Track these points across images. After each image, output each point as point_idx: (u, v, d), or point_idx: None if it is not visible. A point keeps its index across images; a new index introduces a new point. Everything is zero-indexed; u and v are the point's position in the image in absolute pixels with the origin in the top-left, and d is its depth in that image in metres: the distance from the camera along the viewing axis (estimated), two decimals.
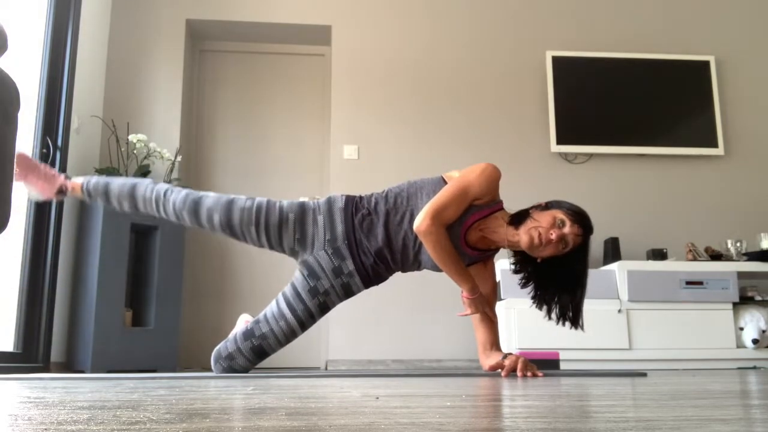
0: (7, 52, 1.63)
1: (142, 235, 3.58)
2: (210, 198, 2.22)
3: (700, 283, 3.54)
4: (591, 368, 3.27)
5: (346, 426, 0.69)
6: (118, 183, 2.32)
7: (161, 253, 3.48)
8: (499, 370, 2.08)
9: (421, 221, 2.02)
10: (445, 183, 2.12)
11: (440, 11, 4.37)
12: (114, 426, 0.69)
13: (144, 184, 2.30)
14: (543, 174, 4.18)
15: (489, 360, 2.15)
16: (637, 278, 3.53)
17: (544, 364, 3.29)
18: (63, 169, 3.29)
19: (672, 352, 3.46)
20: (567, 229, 2.00)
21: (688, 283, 3.54)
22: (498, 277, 3.40)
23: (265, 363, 2.64)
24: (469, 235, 2.10)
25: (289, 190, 4.16)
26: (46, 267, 3.16)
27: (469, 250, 2.12)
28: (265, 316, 2.20)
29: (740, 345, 3.51)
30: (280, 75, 4.45)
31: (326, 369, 3.86)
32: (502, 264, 3.43)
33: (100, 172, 3.57)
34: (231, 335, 2.24)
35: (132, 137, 3.63)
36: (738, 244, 3.81)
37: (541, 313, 2.12)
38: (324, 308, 2.20)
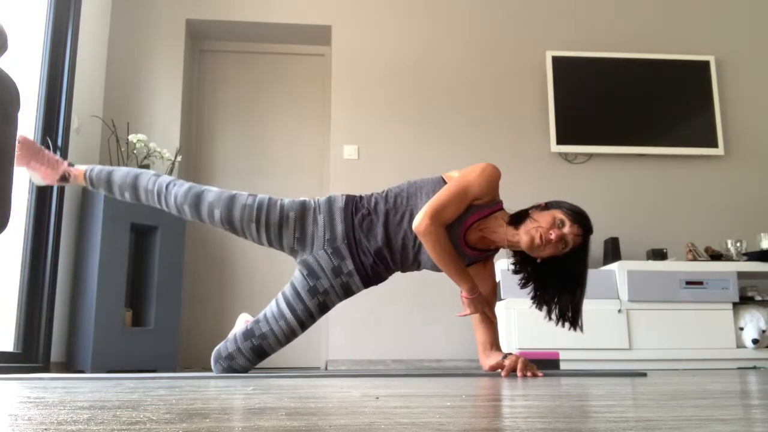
0: (7, 52, 1.63)
1: (142, 235, 3.58)
2: (212, 193, 2.22)
3: (700, 283, 3.54)
4: (591, 368, 3.27)
5: (346, 426, 0.69)
6: (121, 173, 2.33)
7: (161, 253, 3.48)
8: (499, 370, 2.08)
9: (420, 221, 2.02)
10: (445, 183, 2.12)
11: (440, 11, 4.37)
12: (114, 426, 0.69)
13: (147, 176, 2.30)
14: (543, 174, 4.18)
15: (489, 360, 2.15)
16: (637, 278, 3.53)
17: (544, 364, 3.29)
18: None
19: (672, 352, 3.46)
20: (567, 229, 2.00)
21: (688, 283, 3.54)
22: (498, 277, 3.40)
23: (265, 363, 2.65)
24: (468, 235, 2.10)
25: (289, 190, 4.15)
26: (46, 267, 3.15)
27: (468, 250, 2.12)
28: (264, 315, 2.20)
29: (740, 345, 3.51)
30: (280, 75, 4.45)
31: (326, 369, 3.86)
32: (502, 264, 3.43)
33: None
34: (231, 335, 2.24)
35: (132, 137, 3.63)
36: (738, 244, 3.81)
37: (541, 314, 2.12)
38: (323, 308, 2.20)
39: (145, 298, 3.50)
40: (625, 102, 4.28)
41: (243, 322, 2.33)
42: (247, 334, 2.18)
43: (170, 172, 3.76)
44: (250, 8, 4.25)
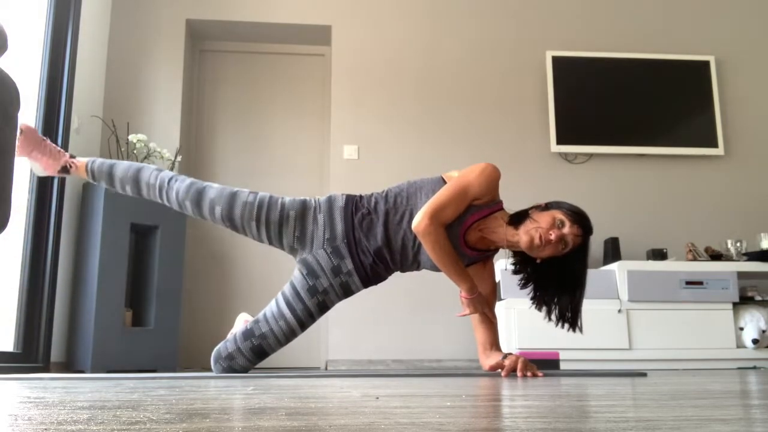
0: (7, 52, 1.63)
1: (142, 235, 3.58)
2: (213, 189, 2.22)
3: (700, 283, 3.54)
4: (591, 368, 3.27)
5: (346, 426, 0.69)
6: (123, 166, 2.33)
7: (161, 253, 3.48)
8: (499, 370, 2.08)
9: (419, 221, 2.02)
10: (445, 183, 2.12)
11: (440, 11, 4.37)
12: (114, 426, 0.69)
13: (149, 170, 2.30)
14: (543, 174, 4.18)
15: (489, 360, 2.15)
16: (637, 278, 3.53)
17: (544, 364, 3.29)
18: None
19: (672, 352, 3.46)
20: (566, 230, 2.00)
21: (688, 283, 3.54)
22: (498, 277, 3.40)
23: (265, 363, 2.64)
24: (468, 235, 2.10)
25: (289, 190, 4.15)
26: (46, 267, 3.15)
27: (468, 251, 2.12)
28: (264, 315, 2.20)
29: (740, 345, 3.51)
30: (280, 75, 4.45)
31: (326, 369, 3.86)
32: (502, 264, 3.43)
33: None
34: (230, 335, 2.24)
35: (132, 137, 3.63)
36: (738, 244, 3.81)
37: (541, 314, 2.12)
38: (323, 307, 2.20)
39: (145, 298, 3.50)
40: (625, 102, 4.28)
41: (242, 321, 2.33)
42: (247, 334, 2.18)
43: None
44: (250, 8, 4.25)
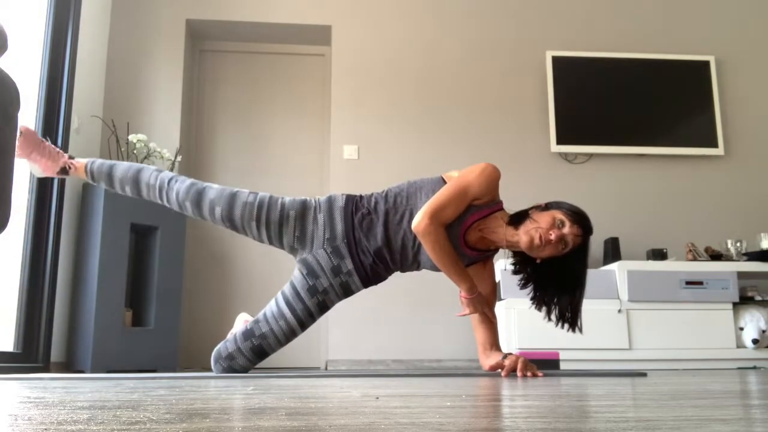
0: (7, 52, 1.63)
1: (142, 235, 3.58)
2: (213, 190, 2.22)
3: (700, 283, 3.54)
4: (591, 368, 3.27)
5: (346, 426, 0.69)
6: (122, 167, 2.32)
7: (161, 253, 3.48)
8: (499, 370, 2.08)
9: (419, 221, 2.02)
10: (445, 183, 2.12)
11: (440, 11, 4.37)
12: (114, 426, 0.69)
13: (149, 171, 2.30)
14: (543, 174, 4.18)
15: (489, 360, 2.15)
16: (637, 278, 3.53)
17: (544, 364, 3.29)
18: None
19: (672, 352, 3.46)
20: (566, 230, 2.00)
21: (688, 283, 3.54)
22: (498, 277, 3.39)
23: (265, 363, 2.64)
24: (468, 235, 2.10)
25: (289, 190, 4.15)
26: (46, 267, 3.15)
27: (468, 251, 2.12)
28: (264, 315, 2.20)
29: (740, 345, 3.51)
30: (280, 75, 4.45)
31: (326, 369, 3.86)
32: (502, 264, 3.43)
33: None
34: (230, 335, 2.24)
35: (132, 137, 3.63)
36: (738, 244, 3.81)
37: (541, 314, 2.12)
38: (323, 307, 2.20)
39: (145, 298, 3.50)
40: (625, 102, 4.28)
41: (242, 321, 2.33)
42: (247, 334, 2.18)
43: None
44: (250, 8, 4.25)
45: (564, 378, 1.96)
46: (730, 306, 3.55)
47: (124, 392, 1.27)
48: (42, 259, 3.15)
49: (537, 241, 1.99)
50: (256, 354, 2.18)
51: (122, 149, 3.77)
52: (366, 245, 2.15)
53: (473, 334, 2.23)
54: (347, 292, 2.21)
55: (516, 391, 1.31)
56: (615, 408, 0.89)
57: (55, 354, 3.24)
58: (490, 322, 2.17)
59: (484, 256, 2.18)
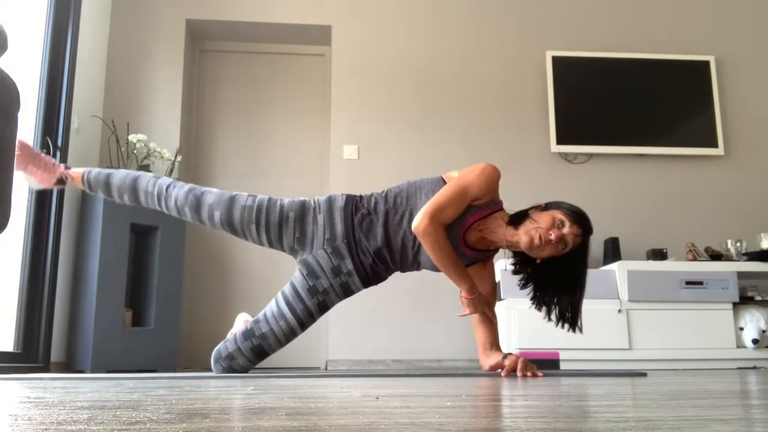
0: (7, 52, 1.63)
1: (142, 235, 3.58)
2: (212, 194, 2.22)
3: (700, 283, 3.54)
4: (591, 368, 3.27)
5: (346, 426, 0.69)
6: (119, 175, 2.32)
7: (161, 253, 3.48)
8: (499, 370, 2.08)
9: (419, 221, 2.02)
10: (445, 183, 2.12)
11: (440, 11, 4.37)
12: (114, 426, 0.69)
13: (146, 178, 2.29)
14: (543, 174, 4.18)
15: (489, 360, 2.15)
16: (637, 278, 3.53)
17: (544, 364, 3.29)
18: None
19: (672, 352, 3.46)
20: (566, 230, 2.00)
21: (688, 283, 3.54)
22: (498, 277, 3.39)
23: (265, 363, 2.64)
24: (468, 235, 2.10)
25: (289, 190, 4.15)
26: (46, 267, 3.15)
27: (468, 251, 2.12)
28: (264, 315, 2.20)
29: (740, 345, 3.51)
30: (280, 75, 4.45)
31: (326, 369, 3.86)
32: (502, 264, 3.43)
33: None
34: (230, 335, 2.24)
35: (132, 137, 3.63)
36: (738, 244, 3.81)
37: (541, 314, 2.12)
38: (323, 307, 2.20)
39: (145, 298, 3.50)
40: (625, 102, 4.28)
41: (242, 321, 2.33)
42: (247, 334, 2.18)
43: (170, 172, 3.76)
44: (250, 8, 4.25)
45: (564, 378, 1.96)
46: (730, 306, 3.55)
47: (124, 392, 1.27)
48: (42, 259, 3.15)
49: (537, 241, 1.99)
50: (256, 354, 2.18)
51: (122, 149, 3.77)
52: (366, 245, 2.15)
53: (473, 334, 2.23)
54: (347, 292, 2.21)
55: (516, 391, 1.31)
56: (615, 408, 0.89)
57: (55, 354, 3.24)
58: (490, 322, 2.17)
59: (484, 256, 2.18)
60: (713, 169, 4.31)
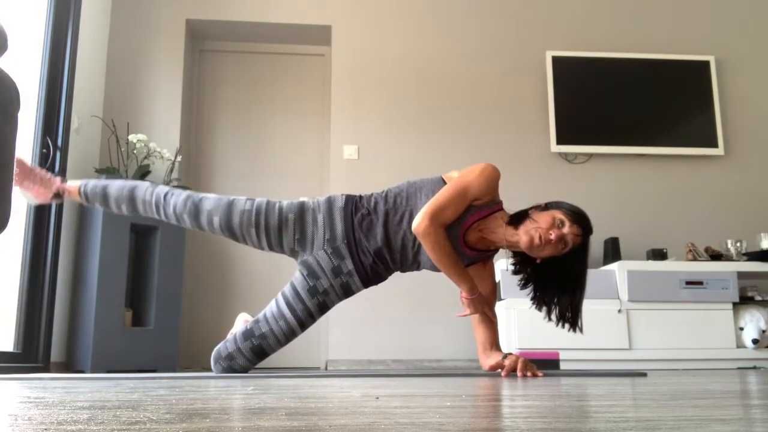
0: (7, 52, 1.63)
1: (142, 235, 3.59)
2: (210, 200, 2.22)
3: (700, 283, 3.54)
4: (591, 368, 3.27)
5: (346, 426, 0.69)
6: (116, 186, 2.31)
7: (161, 253, 3.48)
8: (499, 370, 2.08)
9: (419, 222, 2.02)
10: (445, 183, 2.12)
11: (440, 11, 4.37)
12: (114, 426, 0.69)
13: (143, 187, 2.29)
14: (543, 174, 4.18)
15: (489, 360, 2.15)
16: (637, 278, 3.53)
17: (544, 364, 3.29)
18: (63, 169, 3.29)
19: (672, 352, 3.46)
20: (566, 230, 2.00)
21: (688, 283, 3.54)
22: (498, 277, 3.40)
23: (265, 363, 2.64)
24: (468, 235, 2.10)
25: (289, 190, 4.16)
26: (46, 267, 3.16)
27: (468, 251, 2.12)
28: (264, 315, 2.20)
29: (740, 345, 3.51)
30: (280, 75, 4.45)
31: (326, 369, 3.86)
32: (502, 264, 3.43)
33: (100, 172, 3.57)
34: (230, 335, 2.24)
35: (132, 137, 3.63)
36: (738, 244, 3.81)
37: (541, 314, 2.12)
38: (323, 308, 2.20)
39: (145, 298, 3.50)
40: (625, 102, 4.28)
41: (242, 321, 2.33)
42: (247, 334, 2.18)
43: (170, 172, 3.76)
44: (250, 8, 4.25)
45: (564, 378, 1.96)
46: (730, 306, 3.55)
47: (124, 392, 1.27)
48: (42, 259, 3.15)
49: (537, 241, 1.99)
50: (255, 354, 2.18)
51: (122, 149, 3.77)
52: (366, 245, 2.15)
53: (473, 334, 2.23)
54: (347, 292, 2.21)
55: (516, 391, 1.31)
56: (615, 408, 0.89)
57: (55, 354, 3.24)
58: (490, 322, 2.17)
59: (484, 256, 2.18)
60: (713, 169, 4.31)
